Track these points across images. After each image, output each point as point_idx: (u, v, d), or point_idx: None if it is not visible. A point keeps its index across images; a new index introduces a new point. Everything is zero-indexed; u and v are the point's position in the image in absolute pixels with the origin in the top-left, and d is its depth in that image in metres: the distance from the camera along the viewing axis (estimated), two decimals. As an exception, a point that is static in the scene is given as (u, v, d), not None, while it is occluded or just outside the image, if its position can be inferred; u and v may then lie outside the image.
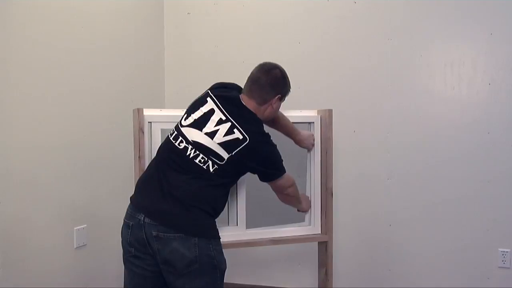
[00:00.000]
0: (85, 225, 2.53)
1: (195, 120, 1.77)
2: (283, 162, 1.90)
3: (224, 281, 1.80)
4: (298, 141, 2.21)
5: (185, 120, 1.80)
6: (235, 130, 1.74)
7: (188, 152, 1.73)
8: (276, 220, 2.28)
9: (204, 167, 1.72)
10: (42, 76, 2.27)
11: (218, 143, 1.73)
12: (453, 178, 2.80)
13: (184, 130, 1.77)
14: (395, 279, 2.93)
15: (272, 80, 1.85)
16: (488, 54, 2.73)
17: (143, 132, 2.03)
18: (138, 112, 2.04)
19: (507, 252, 2.73)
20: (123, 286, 1.83)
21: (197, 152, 1.73)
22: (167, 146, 1.80)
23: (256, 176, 1.93)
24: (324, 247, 2.30)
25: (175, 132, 1.80)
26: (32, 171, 2.22)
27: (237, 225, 2.18)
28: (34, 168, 2.24)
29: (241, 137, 1.74)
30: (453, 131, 2.79)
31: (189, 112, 1.82)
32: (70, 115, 2.43)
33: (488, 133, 2.74)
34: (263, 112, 1.86)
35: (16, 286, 2.12)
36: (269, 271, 3.12)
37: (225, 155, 1.73)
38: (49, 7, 2.29)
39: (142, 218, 1.69)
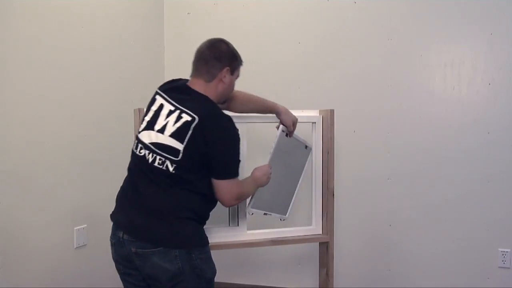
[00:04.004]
0: (85, 225, 2.52)
1: (147, 122, 1.70)
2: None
3: (225, 281, 1.79)
4: (279, 113, 2.06)
5: (140, 126, 1.74)
6: (183, 114, 1.62)
7: (147, 157, 1.64)
8: (277, 220, 2.28)
9: (164, 168, 1.61)
10: (42, 76, 2.26)
11: (169, 136, 1.62)
12: (453, 178, 2.80)
13: (140, 136, 1.70)
14: (395, 279, 2.93)
15: (216, 53, 1.72)
16: (488, 54, 2.73)
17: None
18: (139, 112, 2.03)
19: (507, 252, 2.74)
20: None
21: (154, 155, 1.63)
22: (132, 158, 1.73)
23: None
24: (325, 248, 2.30)
25: (136, 141, 1.73)
26: (32, 171, 2.22)
27: (238, 225, 2.17)
28: (34, 168, 2.23)
29: (189, 118, 1.60)
30: (453, 131, 2.79)
31: (143, 117, 1.74)
32: (70, 115, 2.43)
33: (488, 133, 2.74)
34: (214, 90, 1.72)
35: (16, 286, 2.12)
36: (269, 271, 3.11)
37: (179, 146, 1.60)
38: (49, 7, 2.28)
39: (121, 235, 1.64)
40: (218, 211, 2.18)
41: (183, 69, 3.19)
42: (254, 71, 3.06)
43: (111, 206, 2.64)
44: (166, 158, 1.61)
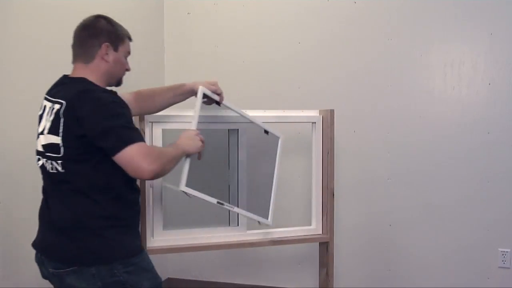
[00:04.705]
0: (85, 225, 2.52)
1: (37, 130, 1.55)
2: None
3: (225, 281, 1.77)
4: (191, 88, 1.84)
5: None
6: (54, 105, 1.47)
7: (45, 165, 1.51)
8: (277, 220, 2.28)
9: (55, 171, 1.46)
10: (42, 76, 2.25)
11: (48, 133, 1.47)
12: (453, 178, 2.81)
13: (36, 146, 1.56)
14: (395, 279, 2.93)
15: (91, 30, 1.57)
16: (488, 54, 2.73)
17: (144, 133, 2.03)
18: (139, 112, 2.03)
19: (507, 252, 2.74)
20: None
21: (47, 160, 1.49)
22: (41, 173, 1.59)
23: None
24: (325, 248, 2.30)
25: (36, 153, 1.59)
26: (32, 171, 2.21)
27: (238, 225, 2.17)
28: (34, 168, 2.21)
29: (58, 106, 1.45)
30: (453, 131, 2.80)
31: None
32: (70, 115, 2.42)
33: (488, 133, 2.74)
34: (97, 70, 1.55)
35: (16, 286, 2.11)
36: (269, 271, 3.11)
37: (58, 140, 1.44)
38: (49, 7, 2.28)
39: (40, 255, 1.54)
40: (219, 211, 2.18)
41: (183, 69, 3.24)
42: (254, 71, 3.06)
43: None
44: (52, 158, 1.46)
